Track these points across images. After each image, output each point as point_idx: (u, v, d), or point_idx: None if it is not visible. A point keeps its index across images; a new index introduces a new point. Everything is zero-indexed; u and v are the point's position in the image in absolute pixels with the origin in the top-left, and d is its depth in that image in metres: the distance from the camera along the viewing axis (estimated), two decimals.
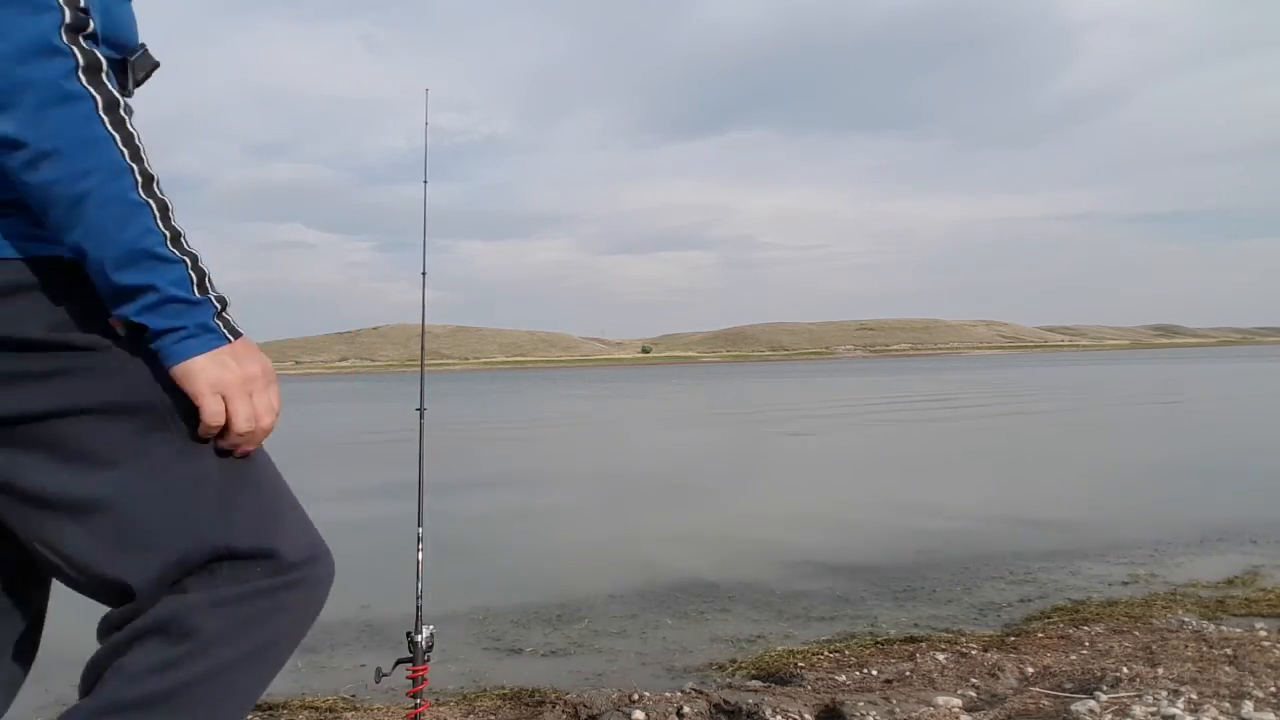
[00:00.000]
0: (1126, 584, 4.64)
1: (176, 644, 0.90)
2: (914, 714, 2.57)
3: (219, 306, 0.94)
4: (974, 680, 2.97)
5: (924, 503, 7.62)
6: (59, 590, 1.05)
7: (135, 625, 0.92)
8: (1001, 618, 4.10)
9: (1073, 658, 3.18)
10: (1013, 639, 3.54)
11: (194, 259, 0.92)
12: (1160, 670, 2.87)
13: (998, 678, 2.99)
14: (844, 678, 3.11)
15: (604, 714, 2.66)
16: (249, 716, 1.07)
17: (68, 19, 0.85)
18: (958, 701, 2.71)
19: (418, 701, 1.94)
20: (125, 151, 0.88)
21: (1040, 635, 3.56)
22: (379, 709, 2.95)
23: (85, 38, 0.87)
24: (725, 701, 2.69)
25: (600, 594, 4.73)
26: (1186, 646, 3.18)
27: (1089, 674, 2.89)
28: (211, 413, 0.92)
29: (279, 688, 3.05)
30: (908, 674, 3.09)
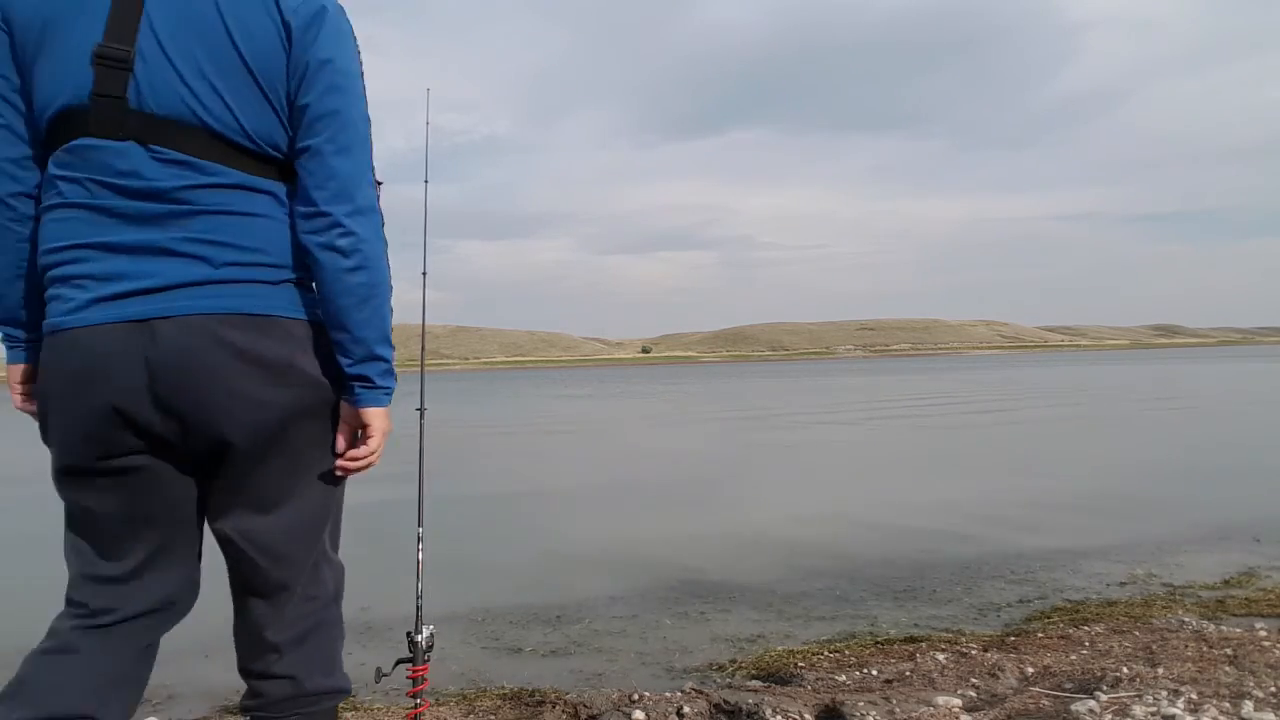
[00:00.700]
0: (1126, 584, 4.64)
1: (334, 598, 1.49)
2: (914, 714, 2.57)
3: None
4: (974, 680, 2.97)
5: (924, 503, 7.62)
6: (43, 612, 1.14)
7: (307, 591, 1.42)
8: (1001, 618, 4.10)
9: (1073, 658, 3.18)
10: (1013, 639, 3.54)
11: None
12: (1160, 670, 2.87)
13: (998, 678, 2.99)
14: (844, 678, 3.11)
15: (604, 714, 2.66)
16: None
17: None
18: (958, 701, 2.71)
19: (418, 701, 1.94)
20: (390, 271, 1.38)
21: (1040, 635, 3.56)
22: (379, 709, 2.95)
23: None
24: (725, 701, 2.69)
25: (600, 594, 4.73)
26: (1186, 646, 3.18)
27: (1089, 674, 2.89)
28: (376, 443, 1.42)
29: None
30: (908, 674, 3.10)
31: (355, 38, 1.35)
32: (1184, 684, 2.68)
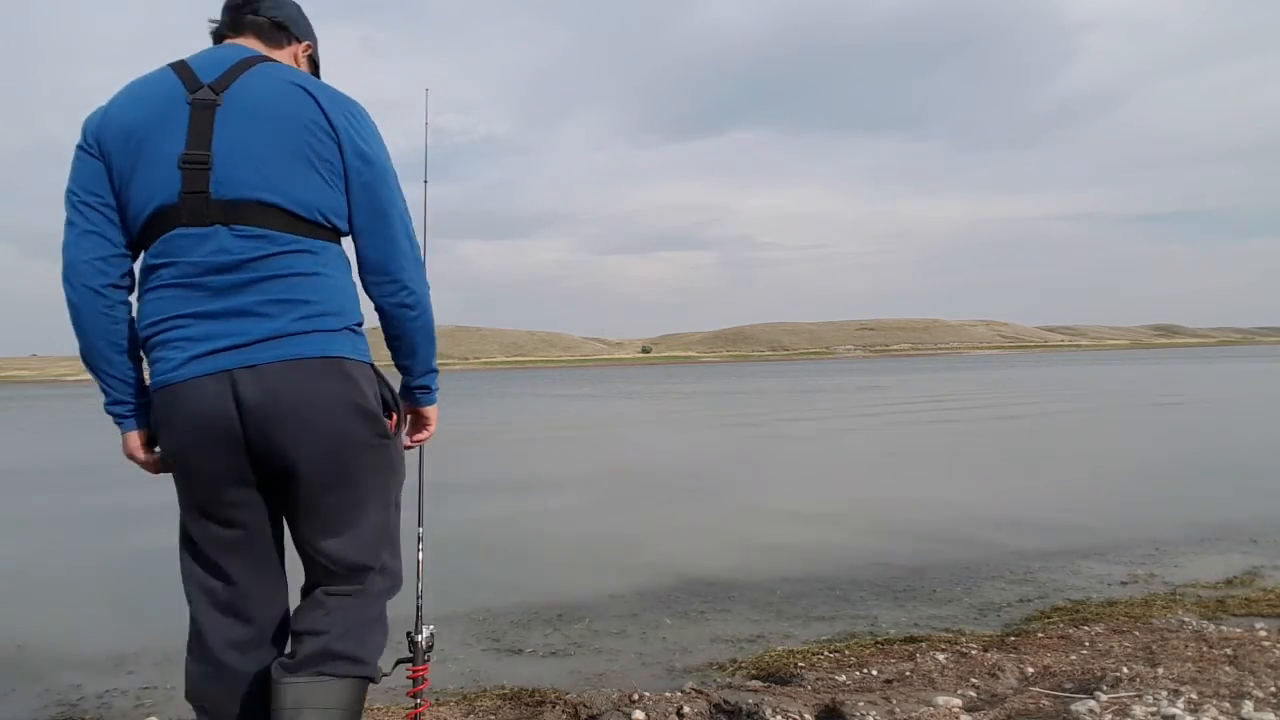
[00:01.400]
0: (1126, 584, 4.64)
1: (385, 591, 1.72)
2: (914, 714, 2.57)
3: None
4: (974, 680, 2.97)
5: (924, 502, 7.63)
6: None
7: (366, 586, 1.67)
8: (1001, 618, 4.10)
9: (1073, 658, 3.18)
10: (1013, 639, 3.54)
11: None
12: (1160, 670, 2.87)
13: (998, 678, 2.99)
14: (844, 678, 3.11)
15: (604, 714, 2.66)
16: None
17: None
18: (958, 701, 2.71)
19: (418, 701, 1.94)
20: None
21: (1040, 635, 3.56)
22: (379, 709, 2.95)
23: None
24: (725, 701, 2.69)
25: (600, 594, 4.73)
26: (1186, 646, 3.18)
27: (1089, 674, 2.89)
28: (433, 427, 1.89)
29: None
30: (908, 674, 3.09)
31: (375, 125, 1.69)
32: (1184, 684, 2.68)
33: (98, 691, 3.38)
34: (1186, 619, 3.66)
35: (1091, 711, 2.49)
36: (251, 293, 1.51)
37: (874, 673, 3.15)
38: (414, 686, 1.93)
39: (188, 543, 1.65)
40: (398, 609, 1.77)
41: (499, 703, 2.96)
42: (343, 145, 1.58)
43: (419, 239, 2.28)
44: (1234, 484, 8.11)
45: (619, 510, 7.95)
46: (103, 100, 1.61)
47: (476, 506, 7.89)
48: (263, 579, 1.68)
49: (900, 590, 4.66)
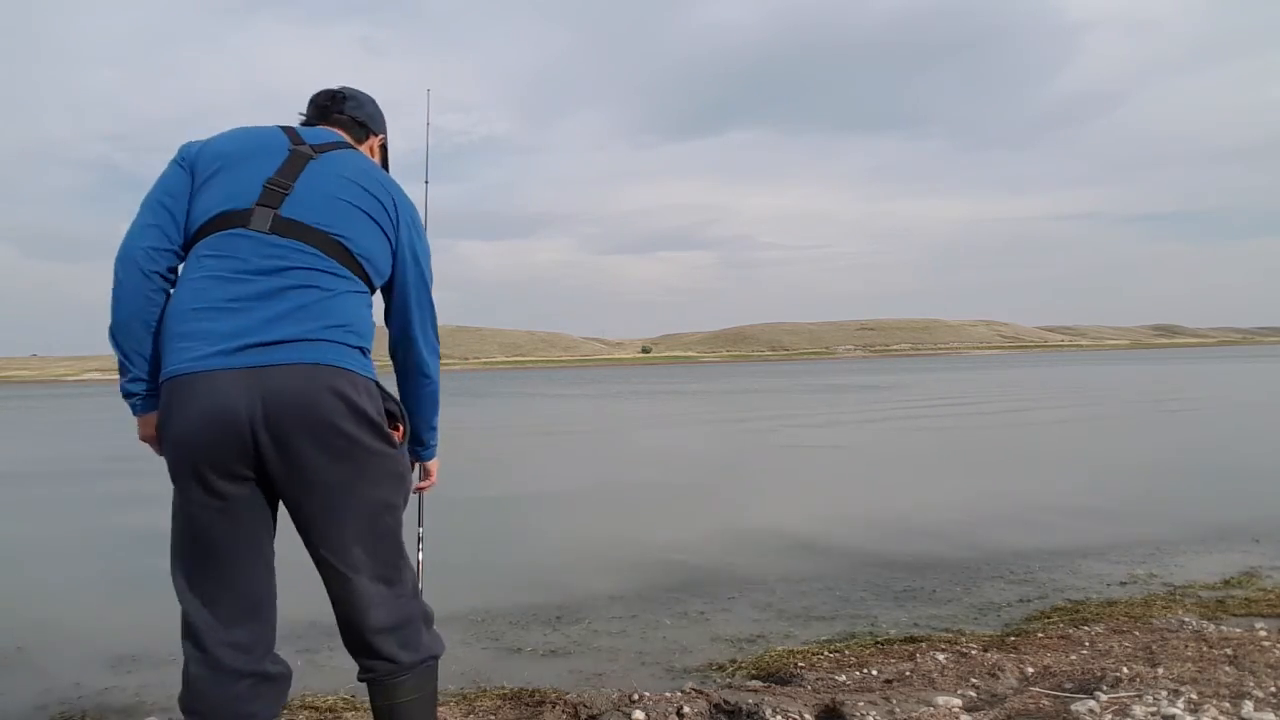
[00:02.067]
0: (1126, 584, 4.64)
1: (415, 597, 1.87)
2: (914, 714, 2.57)
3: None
4: (974, 680, 2.97)
5: (924, 502, 7.63)
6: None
7: (401, 596, 1.81)
8: (1001, 618, 4.10)
9: (1073, 658, 3.18)
10: (1013, 639, 3.54)
11: None
12: (1160, 670, 2.87)
13: (998, 678, 2.99)
14: (844, 678, 3.11)
15: (604, 714, 2.66)
16: None
17: None
18: (958, 701, 2.71)
19: None
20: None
21: (1040, 635, 3.56)
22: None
23: None
24: (725, 701, 2.69)
25: (600, 594, 4.73)
26: (1186, 646, 3.18)
27: (1089, 674, 2.89)
28: (434, 478, 2.15)
29: None
30: (908, 674, 3.09)
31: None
32: (1184, 684, 2.68)
33: (98, 690, 3.38)
34: (1186, 619, 3.66)
35: (1091, 711, 2.49)
36: (284, 299, 1.64)
37: (874, 673, 3.15)
38: None
39: (179, 532, 1.71)
40: None
41: (499, 703, 2.96)
42: (400, 240, 1.82)
43: None
44: (1234, 484, 8.11)
45: (619, 510, 7.95)
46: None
47: (476, 506, 7.89)
48: (251, 574, 1.72)
49: (900, 590, 4.66)
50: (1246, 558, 5.14)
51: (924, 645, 3.50)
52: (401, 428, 1.82)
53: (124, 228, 1.72)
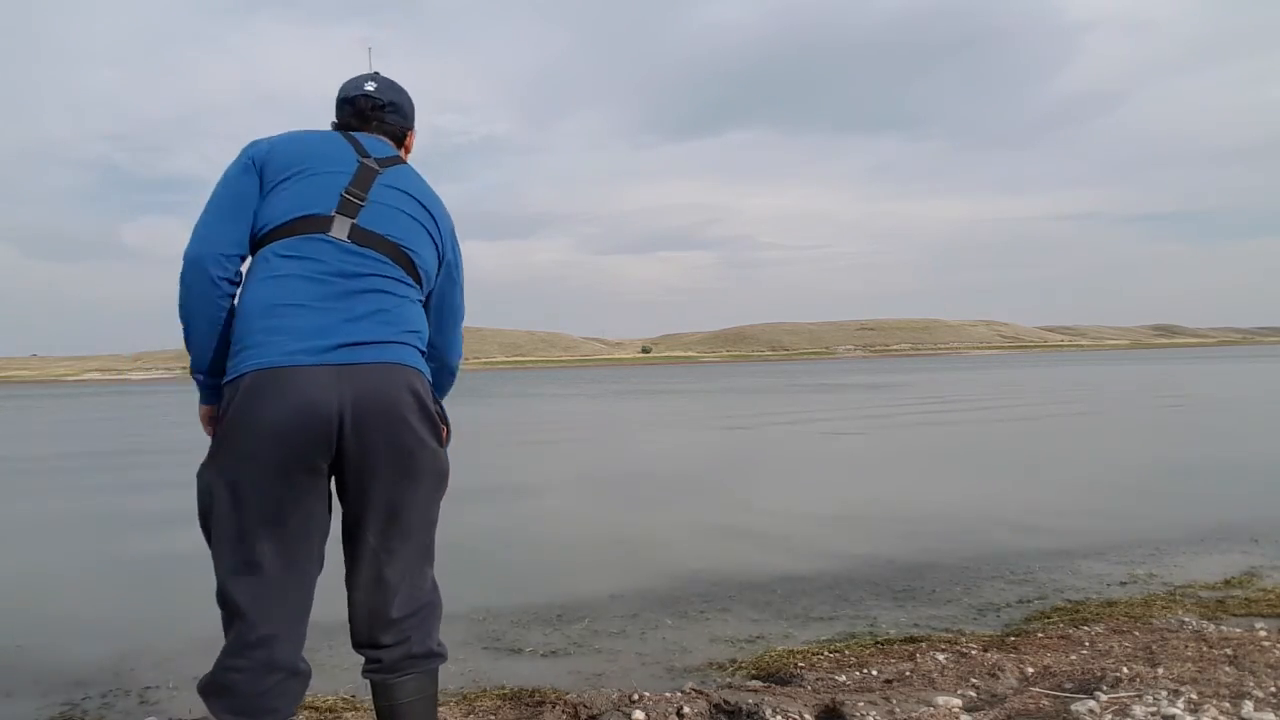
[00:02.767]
0: (1126, 584, 4.64)
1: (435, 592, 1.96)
2: (914, 714, 2.58)
3: None
4: (974, 680, 2.97)
5: (924, 502, 7.63)
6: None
7: (425, 588, 1.92)
8: (1001, 618, 4.10)
9: (1073, 658, 3.18)
10: (1013, 639, 3.54)
11: None
12: (1160, 670, 2.87)
13: (998, 678, 2.99)
14: (844, 678, 3.11)
15: (604, 714, 2.66)
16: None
17: None
18: (958, 701, 2.71)
19: None
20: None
21: (1040, 635, 3.56)
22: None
23: None
24: (725, 701, 2.69)
25: (600, 594, 4.72)
26: (1186, 646, 3.18)
27: (1089, 674, 2.89)
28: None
29: None
30: (908, 674, 3.09)
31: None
32: (1184, 684, 2.68)
33: (99, 691, 3.38)
34: (1186, 619, 3.66)
35: (1091, 711, 2.49)
36: (363, 302, 1.77)
37: (874, 673, 3.15)
38: None
39: (236, 522, 1.72)
40: None
41: (499, 703, 2.96)
42: (444, 251, 1.99)
43: None
44: (1234, 484, 8.11)
45: (619, 510, 7.94)
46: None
47: (476, 506, 7.88)
48: (306, 567, 1.79)
49: (900, 590, 4.66)
50: (1246, 558, 5.14)
51: (924, 645, 3.50)
52: (446, 429, 1.93)
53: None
